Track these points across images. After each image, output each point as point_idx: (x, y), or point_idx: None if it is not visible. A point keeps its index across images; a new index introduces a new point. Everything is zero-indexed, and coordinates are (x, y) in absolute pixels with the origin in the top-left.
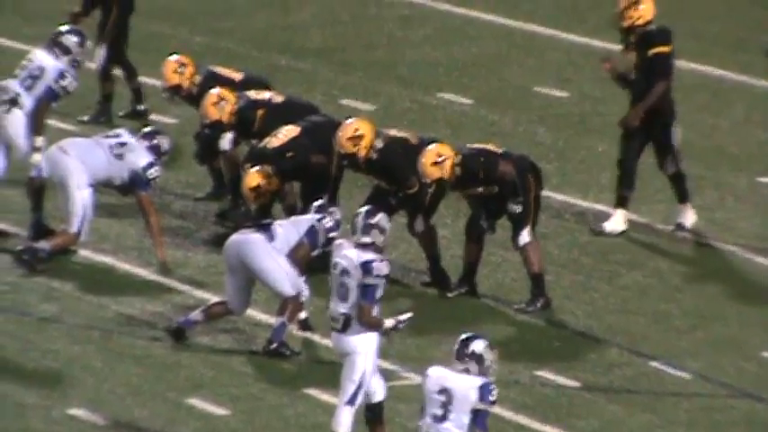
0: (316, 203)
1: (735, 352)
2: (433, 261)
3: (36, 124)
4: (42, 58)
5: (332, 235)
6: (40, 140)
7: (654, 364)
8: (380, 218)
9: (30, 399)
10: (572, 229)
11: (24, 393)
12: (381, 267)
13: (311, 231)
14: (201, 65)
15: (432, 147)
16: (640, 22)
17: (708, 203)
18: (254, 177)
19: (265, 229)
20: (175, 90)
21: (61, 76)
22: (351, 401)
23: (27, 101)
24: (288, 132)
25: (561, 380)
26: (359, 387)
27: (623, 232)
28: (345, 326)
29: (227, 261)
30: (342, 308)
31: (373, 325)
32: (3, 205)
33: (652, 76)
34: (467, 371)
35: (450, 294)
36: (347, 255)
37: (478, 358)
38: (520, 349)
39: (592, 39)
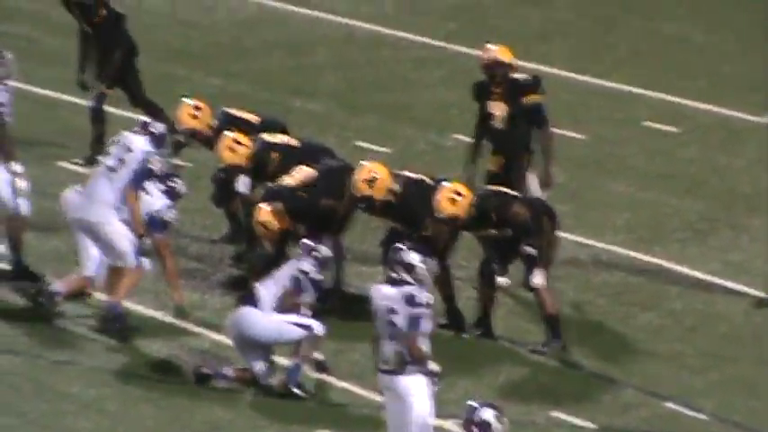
0: (303, 242)
1: (748, 392)
2: (448, 302)
3: (7, 151)
4: None
5: (315, 278)
6: (14, 165)
7: (669, 404)
8: (411, 256)
9: None
10: (586, 270)
11: None
12: (424, 296)
13: (294, 280)
14: (216, 107)
15: (449, 184)
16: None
17: (722, 244)
18: (263, 212)
19: (248, 298)
20: (192, 133)
21: None
22: None
23: None
24: (302, 173)
25: (577, 421)
26: (422, 429)
27: None
28: (399, 365)
29: (234, 343)
30: (393, 347)
31: (419, 356)
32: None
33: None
34: None
35: (465, 336)
36: (387, 294)
37: (485, 427)
38: (535, 390)
39: (605, 80)
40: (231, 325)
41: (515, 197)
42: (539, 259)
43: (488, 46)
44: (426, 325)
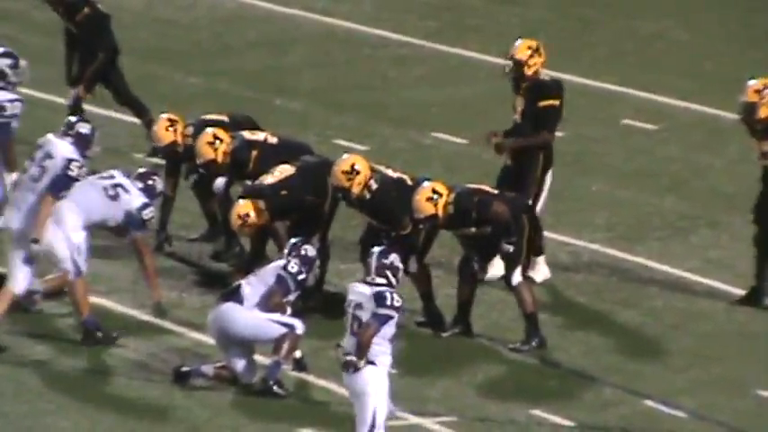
0: (291, 241)
1: (730, 390)
2: (426, 300)
3: (7, 162)
4: None
5: (301, 278)
6: (15, 177)
7: (649, 402)
8: (393, 258)
9: None
10: (567, 268)
11: None
12: (396, 298)
13: (279, 279)
14: (196, 116)
15: (427, 183)
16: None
17: (703, 242)
18: (243, 207)
19: (232, 294)
20: (171, 147)
21: (1, 107)
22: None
23: None
24: (283, 171)
25: (557, 419)
26: (372, 428)
27: None
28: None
29: (215, 340)
30: (355, 341)
31: (365, 346)
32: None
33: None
34: None
35: (444, 334)
36: (360, 290)
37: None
38: (515, 389)
39: (586, 79)
40: (213, 320)
41: (495, 195)
42: (518, 257)
43: (517, 41)
44: (389, 329)
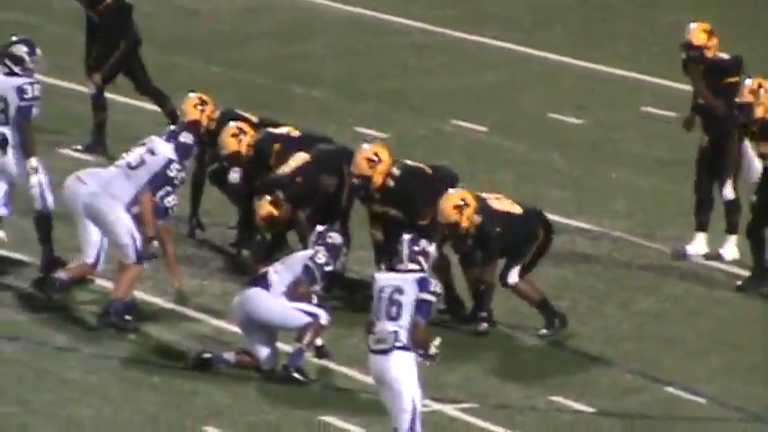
0: (316, 230)
1: (750, 377)
2: (447, 289)
3: (27, 147)
4: None
5: (327, 269)
6: (34, 161)
7: (669, 389)
8: (424, 243)
9: (48, 429)
10: (587, 255)
11: (42, 424)
12: (437, 285)
13: (306, 269)
14: (217, 96)
15: (455, 191)
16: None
17: (722, 229)
18: (264, 207)
19: (260, 280)
20: (194, 125)
21: (22, 91)
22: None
23: (11, 134)
24: (298, 159)
25: (577, 406)
26: (414, 414)
27: (705, 256)
28: (393, 346)
29: (239, 324)
30: (391, 326)
31: (424, 343)
32: (20, 236)
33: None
34: None
35: (481, 328)
36: (396, 276)
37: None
38: (535, 375)
39: (606, 66)
40: (238, 305)
41: (514, 216)
42: (519, 259)
43: (690, 25)
44: (430, 314)
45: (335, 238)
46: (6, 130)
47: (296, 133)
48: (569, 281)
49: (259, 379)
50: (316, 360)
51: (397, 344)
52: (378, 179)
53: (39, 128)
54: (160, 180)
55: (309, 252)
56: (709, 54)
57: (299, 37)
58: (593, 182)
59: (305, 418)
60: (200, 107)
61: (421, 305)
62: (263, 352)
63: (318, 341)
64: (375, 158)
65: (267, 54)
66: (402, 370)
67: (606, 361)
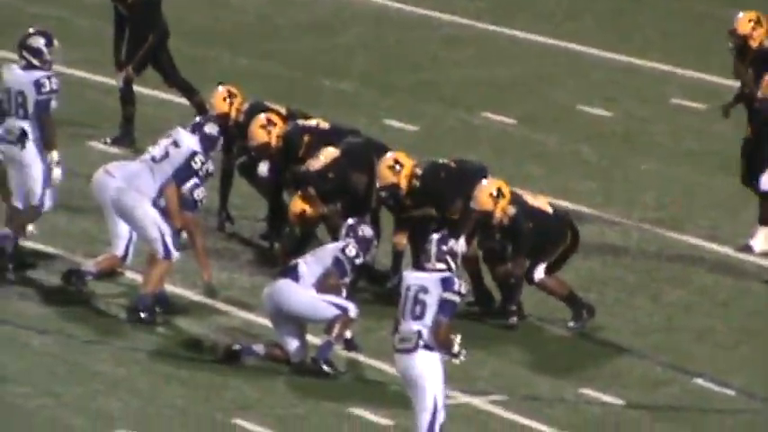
0: (347, 222)
1: None
2: (475, 281)
3: (48, 141)
4: (14, 78)
5: (358, 261)
6: (56, 155)
7: (698, 381)
8: (453, 243)
9: (77, 421)
10: (616, 247)
11: (71, 416)
12: (462, 284)
13: (336, 262)
14: (245, 88)
15: (491, 180)
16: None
17: (752, 220)
18: (298, 204)
19: (290, 272)
20: (223, 118)
21: (39, 85)
22: (433, 423)
23: (30, 129)
24: (328, 154)
25: (606, 398)
26: (434, 414)
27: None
28: (417, 345)
29: (269, 316)
30: (415, 326)
31: (447, 343)
32: (49, 229)
33: None
34: None
35: (511, 321)
36: (421, 275)
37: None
38: (565, 367)
39: (635, 58)
40: (268, 296)
41: (547, 215)
42: (545, 258)
43: (738, 14)
44: (453, 313)
45: (366, 230)
46: (25, 125)
47: (325, 125)
48: (598, 273)
49: (288, 372)
50: (345, 353)
51: (421, 343)
52: (404, 183)
53: (67, 121)
54: (184, 172)
55: (340, 244)
56: (753, 43)
57: (329, 29)
58: (623, 173)
59: (334, 411)
60: (228, 100)
61: (444, 305)
62: (293, 344)
63: (347, 334)
64: (397, 165)
65: (296, 46)
66: (425, 369)
67: (635, 353)
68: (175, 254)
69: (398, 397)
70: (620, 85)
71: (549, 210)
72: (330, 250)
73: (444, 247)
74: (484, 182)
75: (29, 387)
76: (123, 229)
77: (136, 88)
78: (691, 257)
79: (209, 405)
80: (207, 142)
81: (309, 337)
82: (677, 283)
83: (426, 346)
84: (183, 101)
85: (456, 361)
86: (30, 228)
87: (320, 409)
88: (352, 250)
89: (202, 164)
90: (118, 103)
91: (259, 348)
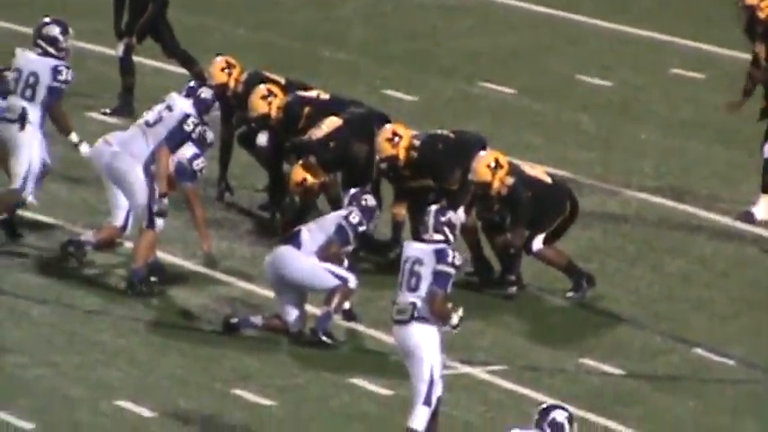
0: (351, 191)
1: None
2: (474, 251)
3: (62, 127)
4: (30, 61)
5: (361, 229)
6: (75, 136)
7: (698, 350)
8: (450, 215)
9: (76, 391)
10: (615, 217)
11: (71, 386)
12: (456, 256)
13: (339, 230)
14: (245, 68)
15: (489, 152)
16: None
17: (751, 190)
18: (299, 172)
19: (292, 239)
20: (221, 88)
21: (57, 71)
22: (427, 402)
23: (34, 112)
24: (330, 124)
25: (606, 368)
26: (431, 384)
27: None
28: (412, 316)
29: (270, 282)
30: (411, 297)
31: (443, 314)
32: (49, 200)
33: None
34: None
35: (510, 291)
36: (419, 246)
37: (558, 428)
38: (564, 337)
39: (634, 27)
40: (269, 263)
41: (546, 185)
42: (543, 228)
43: None
44: (449, 286)
45: (369, 200)
46: (29, 106)
47: (325, 96)
48: (598, 243)
49: (287, 342)
50: (344, 323)
51: (416, 314)
52: (402, 155)
53: (69, 91)
54: (177, 135)
55: (343, 212)
56: (762, 14)
57: (328, 0)
58: (621, 143)
59: (333, 381)
60: (227, 70)
61: (438, 276)
62: (292, 314)
63: (346, 304)
64: (395, 137)
65: (295, 17)
66: (421, 340)
67: (635, 323)
68: (159, 223)
69: (398, 367)
70: (618, 55)
71: (548, 180)
72: (333, 218)
73: (442, 219)
74: (482, 153)
75: (28, 357)
76: (123, 199)
77: (136, 58)
78: (690, 227)
79: (208, 375)
80: (201, 105)
81: (310, 308)
82: (677, 253)
83: (421, 318)
84: (183, 71)
85: (454, 331)
86: (30, 198)
87: (320, 380)
88: (355, 217)
89: (195, 125)
90: (117, 73)
91: (257, 320)
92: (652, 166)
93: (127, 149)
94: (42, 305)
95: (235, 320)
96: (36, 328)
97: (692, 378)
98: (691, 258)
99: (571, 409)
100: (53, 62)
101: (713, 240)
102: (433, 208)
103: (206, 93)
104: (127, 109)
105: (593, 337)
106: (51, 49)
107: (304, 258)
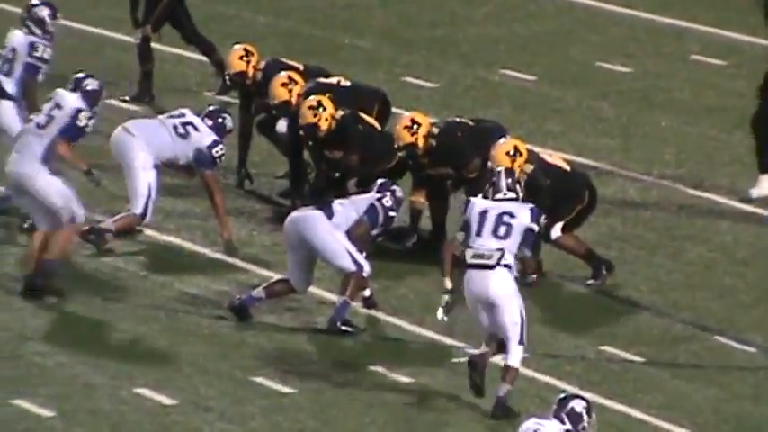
0: (379, 181)
1: None
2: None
3: (30, 103)
4: (13, 39)
5: (392, 214)
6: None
7: (719, 338)
8: (518, 174)
9: (97, 379)
10: (636, 204)
11: (92, 373)
12: (545, 217)
13: (371, 210)
14: (265, 46)
15: (508, 139)
16: None
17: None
18: (313, 98)
19: (325, 206)
20: (240, 76)
21: (33, 47)
22: (521, 341)
23: (9, 86)
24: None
25: (627, 355)
26: (522, 324)
27: None
28: (498, 262)
29: (288, 239)
30: (498, 244)
31: (530, 270)
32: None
33: None
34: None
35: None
36: (502, 205)
37: (576, 417)
38: (585, 325)
39: (654, 14)
40: (294, 221)
41: (564, 173)
42: (561, 216)
43: None
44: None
45: (398, 190)
46: (6, 81)
47: (346, 83)
48: (618, 230)
49: (307, 330)
50: (364, 310)
51: (503, 262)
52: (421, 142)
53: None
54: (72, 131)
55: (377, 195)
56: None
57: None
58: (642, 130)
59: (354, 368)
60: (245, 58)
61: (528, 234)
62: (300, 274)
63: (366, 292)
64: (413, 125)
65: (315, 3)
66: (510, 285)
67: (656, 310)
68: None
69: (418, 354)
70: (638, 42)
71: (567, 167)
72: (366, 198)
73: (513, 178)
74: (501, 141)
75: (47, 345)
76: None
77: (155, 46)
78: (710, 214)
79: (228, 362)
80: (89, 98)
81: (328, 295)
82: (697, 241)
83: (506, 266)
84: (202, 58)
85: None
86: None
87: (340, 367)
88: (389, 201)
89: (88, 119)
90: (136, 60)
91: (259, 293)
92: (673, 153)
93: (24, 155)
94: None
95: (238, 302)
96: (55, 316)
97: (713, 366)
98: (711, 246)
99: (591, 396)
100: (31, 39)
101: (734, 228)
102: (500, 169)
103: (92, 84)
104: (147, 96)
105: (613, 324)
106: (37, 30)
107: (330, 229)
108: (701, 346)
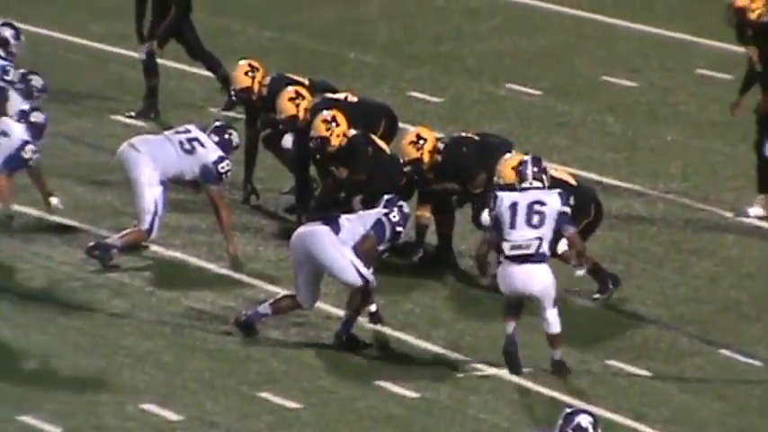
0: (385, 196)
1: None
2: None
3: None
4: None
5: (399, 229)
6: None
7: (724, 352)
8: (545, 164)
9: (102, 395)
10: (641, 218)
11: (97, 389)
12: (572, 198)
13: (378, 225)
14: (270, 61)
15: (514, 154)
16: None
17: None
18: (326, 114)
19: (331, 221)
20: (246, 92)
21: (4, 71)
22: (556, 303)
23: None
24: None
25: (632, 369)
26: (558, 305)
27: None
28: (538, 251)
29: (294, 254)
30: (535, 233)
31: (580, 250)
32: (73, 203)
33: None
34: None
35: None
36: (530, 194)
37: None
38: (591, 339)
39: (661, 28)
40: (301, 236)
41: (573, 187)
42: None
43: None
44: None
45: (405, 206)
46: None
47: (353, 98)
48: (624, 244)
49: (313, 345)
50: (370, 325)
51: (541, 250)
52: (427, 158)
53: (90, 94)
54: (16, 162)
55: (384, 210)
56: (752, 16)
57: (353, 1)
58: (648, 144)
59: (360, 384)
60: (250, 74)
61: (562, 217)
62: (307, 290)
63: (373, 307)
64: (419, 140)
65: (320, 18)
66: (548, 278)
67: (661, 324)
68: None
69: (424, 369)
70: (644, 56)
71: (573, 182)
72: (373, 213)
73: (539, 167)
74: (507, 156)
75: (53, 361)
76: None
77: (160, 61)
78: (716, 228)
79: (234, 378)
80: (34, 129)
81: (334, 310)
82: (703, 255)
83: (543, 254)
84: (208, 74)
85: (580, 272)
86: (55, 201)
87: (346, 382)
88: (396, 216)
89: (33, 153)
90: (141, 75)
91: (266, 309)
92: (678, 167)
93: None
94: (67, 308)
95: (245, 318)
96: (61, 332)
97: (719, 379)
98: (717, 260)
99: (597, 410)
100: (1, 62)
101: (740, 242)
102: (527, 158)
103: (36, 116)
104: (152, 112)
105: (619, 338)
106: (1, 51)
107: (337, 244)
108: (707, 359)
